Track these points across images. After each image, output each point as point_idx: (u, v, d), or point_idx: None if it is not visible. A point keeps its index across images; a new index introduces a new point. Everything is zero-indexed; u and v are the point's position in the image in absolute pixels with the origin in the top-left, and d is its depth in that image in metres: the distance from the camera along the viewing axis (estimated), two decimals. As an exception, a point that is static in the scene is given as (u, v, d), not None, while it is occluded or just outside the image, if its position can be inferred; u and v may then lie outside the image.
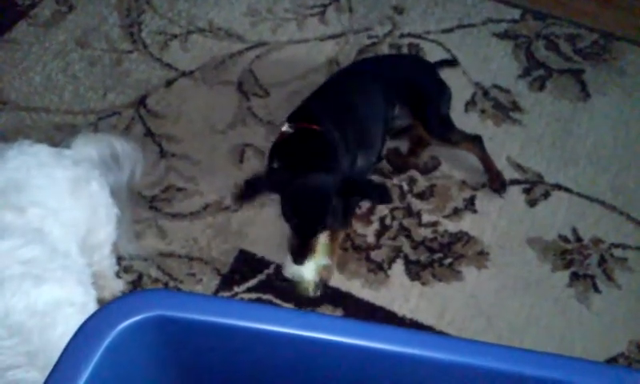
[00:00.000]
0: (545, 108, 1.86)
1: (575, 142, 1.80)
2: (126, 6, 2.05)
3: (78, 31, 1.98)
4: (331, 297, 1.51)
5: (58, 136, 1.68)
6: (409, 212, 1.65)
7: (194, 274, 1.53)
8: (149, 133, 1.77)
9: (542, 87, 1.91)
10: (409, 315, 1.49)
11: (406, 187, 1.69)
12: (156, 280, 1.52)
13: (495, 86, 1.90)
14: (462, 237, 1.61)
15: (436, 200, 1.67)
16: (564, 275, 1.56)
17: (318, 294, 1.48)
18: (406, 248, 1.59)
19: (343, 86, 1.66)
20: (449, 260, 1.57)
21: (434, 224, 1.63)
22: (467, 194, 1.68)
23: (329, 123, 1.51)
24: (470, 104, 1.85)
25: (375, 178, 1.70)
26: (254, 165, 1.71)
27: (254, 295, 1.51)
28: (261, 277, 1.53)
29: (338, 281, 1.54)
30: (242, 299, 1.50)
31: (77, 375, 0.59)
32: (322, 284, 1.49)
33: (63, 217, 1.24)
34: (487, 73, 1.93)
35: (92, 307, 1.20)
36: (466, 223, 1.63)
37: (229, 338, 0.68)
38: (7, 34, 1.96)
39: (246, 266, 1.55)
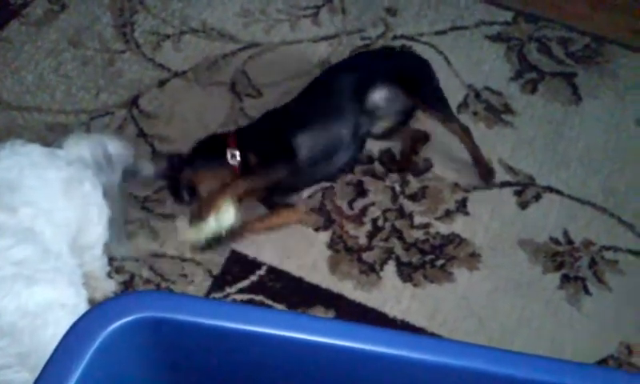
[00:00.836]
0: (537, 111, 1.87)
1: (567, 144, 1.81)
2: (118, 6, 2.04)
3: (70, 31, 1.97)
4: (323, 298, 1.51)
5: (50, 136, 1.67)
6: (401, 213, 1.65)
7: (185, 275, 1.53)
8: (141, 133, 1.77)
9: (533, 90, 1.91)
10: (400, 317, 1.49)
11: (398, 189, 1.70)
12: (148, 281, 1.52)
13: (487, 89, 1.91)
14: (453, 239, 1.62)
15: (428, 202, 1.67)
16: (555, 277, 1.57)
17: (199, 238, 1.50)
18: (398, 249, 1.59)
19: (301, 96, 1.68)
20: (440, 262, 1.58)
21: (426, 226, 1.63)
22: (459, 195, 1.69)
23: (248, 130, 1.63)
24: (462, 106, 1.85)
25: (367, 179, 1.70)
26: (247, 166, 1.70)
27: (245, 296, 1.51)
28: (253, 278, 1.53)
29: (329, 282, 1.54)
30: (234, 300, 1.50)
31: (67, 376, 0.59)
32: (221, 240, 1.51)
33: (55, 217, 1.24)
34: (479, 75, 1.93)
35: (83, 308, 1.20)
36: (458, 225, 1.64)
37: (221, 340, 0.68)
38: (-1, 33, 1.96)
39: (237, 267, 1.55)
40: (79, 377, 0.59)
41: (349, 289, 1.53)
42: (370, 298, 1.52)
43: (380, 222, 1.64)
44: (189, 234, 1.51)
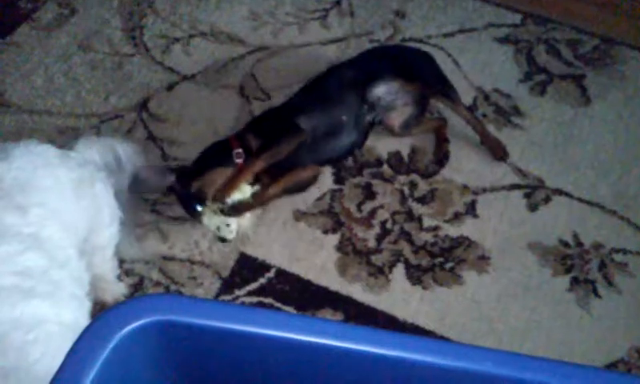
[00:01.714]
0: (546, 113, 1.87)
1: (576, 146, 1.80)
2: (128, 10, 2.05)
3: (80, 34, 1.99)
4: (332, 301, 1.51)
5: (60, 139, 1.68)
6: (410, 216, 1.65)
7: (195, 278, 1.54)
8: (151, 136, 1.78)
9: (542, 92, 1.91)
10: (409, 319, 1.49)
11: (407, 191, 1.70)
12: (157, 283, 1.53)
13: (496, 91, 1.90)
14: (462, 241, 1.61)
15: (437, 204, 1.67)
16: (564, 280, 1.56)
17: (231, 237, 1.55)
18: (407, 252, 1.59)
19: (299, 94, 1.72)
20: (450, 264, 1.58)
21: (435, 228, 1.63)
22: (468, 198, 1.69)
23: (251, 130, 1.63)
24: (472, 108, 1.85)
25: (376, 181, 1.71)
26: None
27: (255, 299, 1.51)
28: (262, 280, 1.54)
29: (338, 285, 1.54)
30: (242, 303, 1.50)
31: (80, 380, 0.60)
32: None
33: (65, 219, 1.24)
34: (488, 77, 1.93)
35: (83, 323, 1.18)
36: (467, 228, 1.64)
37: (230, 342, 0.68)
38: (9, 37, 1.97)
39: (246, 269, 1.55)
40: (92, 380, 0.60)
41: (358, 291, 1.53)
42: (378, 301, 1.52)
43: (389, 225, 1.64)
44: (214, 220, 1.54)
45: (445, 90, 1.75)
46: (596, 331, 1.49)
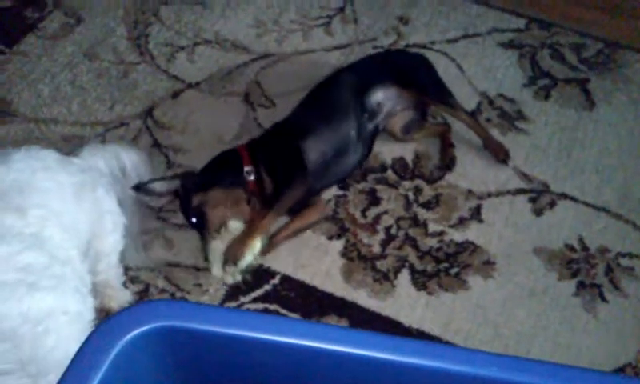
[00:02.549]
0: (550, 117, 1.87)
1: (581, 150, 1.80)
2: (133, 19, 2.07)
3: (85, 43, 2.00)
4: (337, 307, 1.51)
5: (66, 147, 1.69)
6: (415, 221, 1.65)
7: (200, 285, 1.54)
8: (156, 144, 1.78)
9: (547, 96, 1.91)
10: (415, 325, 1.49)
11: (411, 196, 1.70)
12: (163, 290, 1.53)
13: (500, 95, 1.90)
14: (468, 246, 1.61)
15: (442, 209, 1.67)
16: (570, 284, 1.56)
17: (237, 279, 1.52)
18: (412, 258, 1.59)
19: (303, 103, 1.72)
20: (455, 270, 1.57)
21: (440, 233, 1.63)
22: (473, 203, 1.69)
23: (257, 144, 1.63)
24: (476, 113, 1.85)
25: (380, 187, 1.71)
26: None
27: (260, 305, 1.51)
28: (267, 287, 1.54)
29: (343, 290, 1.54)
30: (248, 309, 1.50)
31: (85, 385, 0.60)
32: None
33: (65, 220, 1.24)
34: (492, 82, 1.93)
35: (88, 316, 1.20)
36: (472, 232, 1.63)
37: (235, 348, 0.68)
38: (16, 47, 1.99)
39: (252, 276, 1.55)
40: (97, 386, 0.60)
41: (363, 297, 1.53)
42: (383, 307, 1.52)
43: (394, 230, 1.64)
44: (226, 277, 1.51)
45: (440, 95, 1.75)
46: (603, 335, 1.48)
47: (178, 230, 1.62)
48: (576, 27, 2.07)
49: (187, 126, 1.82)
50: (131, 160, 1.55)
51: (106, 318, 1.41)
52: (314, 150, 1.60)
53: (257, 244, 1.50)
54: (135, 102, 1.87)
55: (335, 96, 1.68)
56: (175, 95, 1.89)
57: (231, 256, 1.50)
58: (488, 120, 1.84)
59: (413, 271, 1.57)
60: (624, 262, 1.59)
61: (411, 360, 0.67)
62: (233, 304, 1.51)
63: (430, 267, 1.58)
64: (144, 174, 1.57)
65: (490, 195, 1.70)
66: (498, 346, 1.46)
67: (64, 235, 1.22)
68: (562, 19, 2.09)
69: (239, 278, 1.51)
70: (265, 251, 1.55)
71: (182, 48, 2.00)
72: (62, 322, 1.12)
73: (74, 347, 1.01)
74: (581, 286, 1.56)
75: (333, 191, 1.69)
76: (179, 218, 1.64)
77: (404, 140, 1.76)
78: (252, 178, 1.57)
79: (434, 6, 2.12)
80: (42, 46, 1.99)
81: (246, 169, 1.57)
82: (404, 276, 1.56)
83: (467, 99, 1.86)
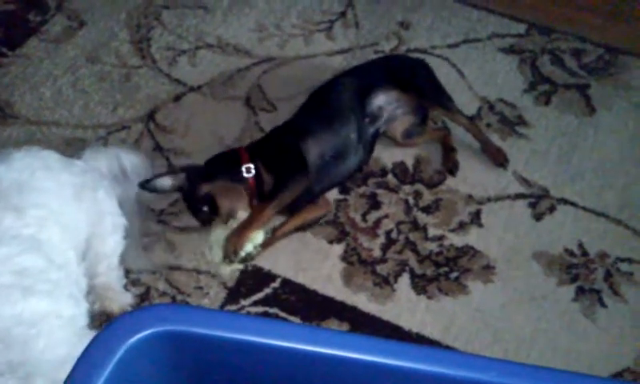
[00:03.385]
0: (550, 122, 1.87)
1: (581, 156, 1.81)
2: (135, 23, 2.07)
3: (88, 47, 2.01)
4: (337, 311, 1.52)
5: (69, 150, 1.70)
6: (415, 226, 1.65)
7: (201, 288, 1.55)
8: (157, 147, 1.79)
9: (547, 102, 1.91)
10: (415, 329, 1.49)
11: (411, 201, 1.70)
12: (164, 293, 1.53)
13: (501, 101, 1.91)
14: (467, 251, 1.62)
15: (442, 214, 1.68)
16: (570, 289, 1.56)
17: (236, 268, 1.54)
18: (412, 262, 1.60)
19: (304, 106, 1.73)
20: (455, 274, 1.58)
21: (440, 238, 1.64)
22: (473, 207, 1.69)
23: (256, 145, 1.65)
24: (476, 118, 1.86)
25: (381, 191, 1.71)
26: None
27: (260, 309, 1.51)
28: (267, 290, 1.54)
29: (343, 294, 1.54)
30: (248, 313, 1.51)
31: (88, 389, 0.60)
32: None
33: (64, 220, 1.25)
34: (493, 87, 1.94)
35: (81, 321, 1.20)
36: (472, 237, 1.64)
37: (236, 352, 0.69)
38: (19, 50, 1.99)
39: (252, 279, 1.56)
40: (99, 389, 0.61)
41: (363, 301, 1.53)
42: (384, 311, 1.52)
43: (394, 235, 1.64)
44: (224, 268, 1.53)
45: (440, 99, 1.76)
46: (602, 340, 1.49)
47: (180, 233, 1.63)
48: (576, 32, 2.08)
49: (189, 130, 1.83)
50: (132, 163, 1.56)
51: (107, 321, 1.41)
52: (314, 151, 1.61)
53: (259, 235, 1.53)
54: (137, 105, 1.88)
55: (336, 99, 1.69)
56: (177, 99, 1.90)
57: (231, 245, 1.51)
58: (488, 125, 1.85)
59: (413, 275, 1.58)
60: (623, 267, 1.60)
61: (411, 365, 0.67)
62: (233, 307, 1.51)
63: (429, 271, 1.58)
64: (145, 177, 1.57)
65: (489, 200, 1.71)
66: (498, 351, 1.46)
67: (62, 235, 1.23)
68: (562, 24, 2.10)
69: (239, 266, 1.53)
70: (266, 244, 1.56)
71: (184, 52, 2.01)
72: (55, 326, 1.12)
73: (64, 351, 1.02)
74: (580, 291, 1.56)
75: (334, 195, 1.70)
76: (180, 221, 1.65)
77: (405, 145, 1.77)
78: (251, 175, 1.58)
79: (435, 11, 2.12)
80: (44, 49, 2.00)
81: (245, 166, 1.59)
82: (404, 280, 1.57)
83: (468, 104, 1.87)
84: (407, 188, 1.72)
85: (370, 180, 1.73)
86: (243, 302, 1.53)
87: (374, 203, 1.69)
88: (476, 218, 1.67)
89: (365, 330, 1.48)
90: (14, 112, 1.85)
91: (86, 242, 1.33)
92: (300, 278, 1.57)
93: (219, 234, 1.53)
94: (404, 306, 1.53)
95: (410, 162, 1.77)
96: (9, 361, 1.04)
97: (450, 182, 1.74)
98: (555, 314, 1.53)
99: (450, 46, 2.03)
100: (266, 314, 1.50)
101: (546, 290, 1.56)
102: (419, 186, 1.73)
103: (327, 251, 1.61)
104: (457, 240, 1.63)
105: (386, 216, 1.67)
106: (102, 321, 1.44)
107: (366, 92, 1.69)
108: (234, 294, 1.54)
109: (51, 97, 1.89)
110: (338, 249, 1.62)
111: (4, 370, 1.03)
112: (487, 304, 1.53)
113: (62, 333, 1.13)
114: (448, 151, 1.76)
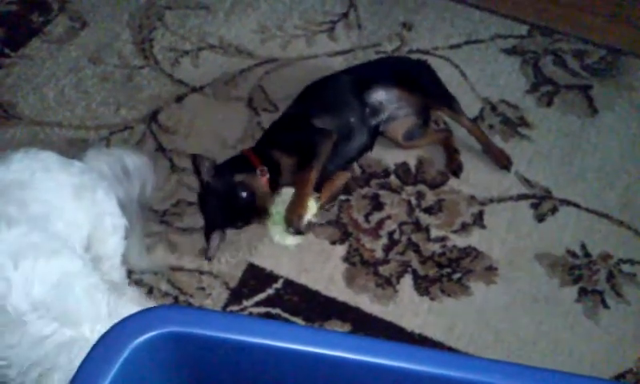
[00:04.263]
0: (553, 123, 1.87)
1: (583, 157, 1.81)
2: (138, 23, 2.08)
3: (90, 47, 2.01)
4: (339, 312, 1.52)
5: (71, 151, 1.70)
6: (417, 227, 1.66)
7: (203, 288, 1.55)
8: (160, 148, 1.79)
9: (549, 103, 1.91)
10: (417, 330, 1.50)
11: (414, 202, 1.70)
12: (166, 294, 1.54)
13: (503, 102, 1.91)
14: (470, 252, 1.62)
15: (444, 215, 1.68)
16: (572, 290, 1.56)
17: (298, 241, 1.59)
18: (415, 263, 1.60)
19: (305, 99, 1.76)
20: (457, 275, 1.58)
21: (443, 239, 1.64)
22: (475, 208, 1.69)
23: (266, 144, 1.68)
24: (478, 119, 1.86)
25: (383, 192, 1.71)
26: (264, 180, 1.72)
27: (262, 309, 1.52)
28: (269, 291, 1.55)
29: (346, 295, 1.54)
30: (250, 313, 1.51)
31: (93, 391, 0.60)
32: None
33: (66, 215, 1.26)
34: (495, 88, 1.94)
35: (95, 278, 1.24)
36: (475, 238, 1.64)
37: (240, 354, 0.69)
38: (21, 51, 2.00)
39: (254, 280, 1.56)
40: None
41: (365, 302, 1.53)
42: (386, 312, 1.52)
43: (396, 236, 1.64)
44: (290, 239, 1.58)
45: (445, 100, 1.77)
46: (604, 342, 1.49)
47: (182, 234, 1.63)
48: (578, 34, 2.08)
49: (191, 130, 1.83)
50: (135, 163, 1.56)
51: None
52: (324, 126, 1.65)
53: (313, 204, 1.57)
54: (139, 105, 1.88)
55: (335, 88, 1.72)
56: (179, 99, 1.90)
57: (294, 214, 1.54)
58: (491, 126, 1.85)
59: (415, 276, 1.58)
60: (626, 268, 1.60)
61: (414, 366, 0.68)
62: (235, 308, 1.51)
63: (432, 272, 1.58)
64: (147, 178, 1.57)
65: (492, 201, 1.71)
66: (500, 352, 1.46)
67: (66, 230, 1.25)
68: (564, 26, 2.10)
69: (300, 240, 1.58)
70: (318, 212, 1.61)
71: (187, 52, 2.01)
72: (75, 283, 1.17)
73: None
74: (583, 292, 1.56)
75: (336, 196, 1.70)
76: (183, 222, 1.65)
77: (406, 147, 1.77)
78: (265, 176, 1.60)
79: (437, 12, 2.12)
80: (47, 50, 2.00)
81: (260, 168, 1.60)
82: (406, 281, 1.57)
83: (470, 105, 1.87)
84: (410, 189, 1.72)
85: (373, 181, 1.73)
86: (246, 303, 1.53)
87: (377, 204, 1.70)
88: (478, 219, 1.67)
89: (367, 331, 1.48)
90: (17, 112, 1.85)
91: (87, 239, 1.34)
92: (302, 279, 1.57)
93: (274, 213, 1.57)
94: (407, 307, 1.53)
95: (412, 163, 1.77)
96: (55, 317, 1.09)
97: (453, 182, 1.74)
98: (558, 315, 1.53)
99: (452, 47, 2.03)
100: (268, 315, 1.50)
101: (548, 291, 1.56)
102: (422, 187, 1.73)
103: (330, 252, 1.61)
104: (459, 241, 1.63)
105: (389, 217, 1.67)
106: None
107: (365, 85, 1.71)
108: (237, 294, 1.54)
109: (54, 97, 1.89)
110: (341, 250, 1.62)
111: (56, 327, 1.09)
112: (490, 305, 1.54)
113: (83, 283, 1.18)
114: (451, 153, 1.76)
